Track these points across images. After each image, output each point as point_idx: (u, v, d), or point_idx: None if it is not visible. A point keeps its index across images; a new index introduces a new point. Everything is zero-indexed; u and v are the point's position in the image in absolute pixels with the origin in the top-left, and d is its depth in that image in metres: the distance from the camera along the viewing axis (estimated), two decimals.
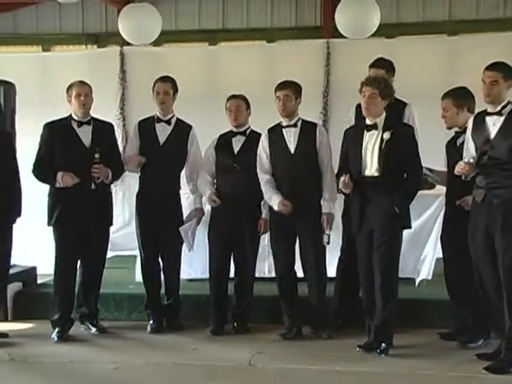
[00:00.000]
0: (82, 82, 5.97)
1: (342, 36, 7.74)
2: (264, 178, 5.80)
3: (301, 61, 8.32)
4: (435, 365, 5.12)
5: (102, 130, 6.04)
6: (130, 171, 6.22)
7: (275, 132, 5.84)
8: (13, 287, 6.62)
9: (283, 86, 5.81)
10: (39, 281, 7.16)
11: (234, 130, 6.03)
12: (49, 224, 5.92)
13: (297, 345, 5.70)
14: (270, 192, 5.74)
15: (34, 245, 8.08)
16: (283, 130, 5.81)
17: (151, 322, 6.14)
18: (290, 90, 5.78)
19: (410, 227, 5.46)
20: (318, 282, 5.79)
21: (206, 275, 6.22)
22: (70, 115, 5.97)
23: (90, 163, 5.78)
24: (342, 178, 5.29)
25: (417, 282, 6.60)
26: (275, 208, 5.69)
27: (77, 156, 5.82)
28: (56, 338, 5.90)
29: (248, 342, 5.75)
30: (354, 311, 5.79)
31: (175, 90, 6.12)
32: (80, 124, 5.93)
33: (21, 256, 6.84)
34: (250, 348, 5.55)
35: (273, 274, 6.59)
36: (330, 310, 5.94)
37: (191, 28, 8.87)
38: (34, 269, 7.16)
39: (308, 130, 5.80)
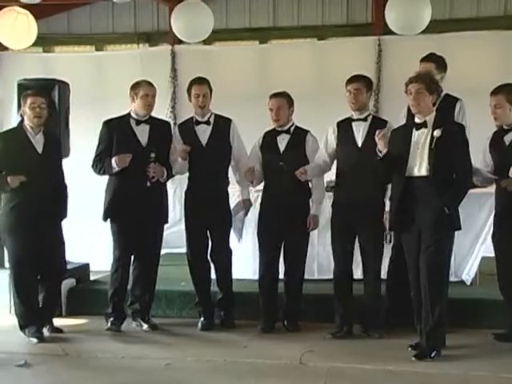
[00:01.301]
0: (149, 83, 6.02)
1: (393, 33, 7.66)
2: (316, 161, 5.86)
3: (352, 58, 8.25)
4: (489, 366, 5.03)
5: (160, 128, 6.09)
6: (178, 173, 6.24)
7: (344, 125, 5.82)
8: (66, 283, 6.72)
9: (354, 79, 5.79)
10: (92, 277, 7.26)
11: (278, 128, 6.01)
12: (104, 218, 6.02)
13: (347, 344, 5.67)
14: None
15: (87, 242, 8.20)
16: (352, 123, 5.78)
17: (202, 319, 6.18)
18: (361, 83, 5.77)
19: (460, 228, 5.27)
20: (375, 281, 5.77)
21: (256, 276, 6.23)
22: (129, 113, 6.04)
23: (145, 162, 5.85)
24: (379, 131, 5.20)
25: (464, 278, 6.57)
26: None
27: (133, 154, 5.87)
28: (109, 324, 6.03)
29: (298, 340, 5.73)
30: (406, 311, 5.72)
31: (211, 90, 6.11)
32: (138, 122, 6.00)
33: (74, 253, 6.94)
34: (301, 346, 5.52)
35: (322, 276, 6.62)
36: (382, 310, 5.90)
37: (242, 26, 8.87)
38: (87, 265, 7.26)
39: (377, 126, 5.68)
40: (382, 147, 5.21)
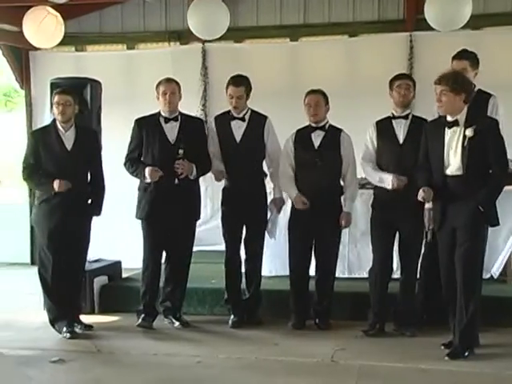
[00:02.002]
0: (168, 80, 6.05)
1: (425, 29, 7.58)
2: (370, 165, 5.81)
3: (383, 55, 8.19)
4: None
5: (190, 125, 6.11)
6: (217, 179, 6.22)
7: (384, 123, 5.82)
8: (99, 281, 6.78)
9: (404, 76, 5.89)
10: (124, 275, 7.30)
11: (313, 124, 6.01)
12: (136, 217, 6.07)
13: (379, 342, 5.64)
14: (379, 174, 5.72)
15: (120, 239, 8.25)
16: (393, 121, 5.78)
17: (232, 316, 6.19)
18: (411, 80, 5.84)
19: (498, 224, 5.23)
20: (412, 280, 5.78)
21: (287, 272, 6.23)
22: (159, 111, 6.07)
23: (173, 159, 5.86)
24: (422, 190, 5.16)
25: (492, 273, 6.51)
26: (389, 186, 5.61)
27: (161, 151, 5.92)
28: (140, 321, 6.05)
29: (330, 338, 5.73)
30: (438, 309, 5.68)
31: (249, 90, 6.12)
32: (167, 120, 6.03)
33: (106, 250, 6.99)
34: (332, 344, 5.53)
35: (352, 275, 6.60)
36: (415, 307, 5.85)
37: (272, 24, 8.83)
38: (119, 263, 7.30)
39: (418, 124, 5.71)
40: (428, 202, 5.26)
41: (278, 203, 6.19)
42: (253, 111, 6.17)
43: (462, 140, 5.09)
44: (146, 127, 6.04)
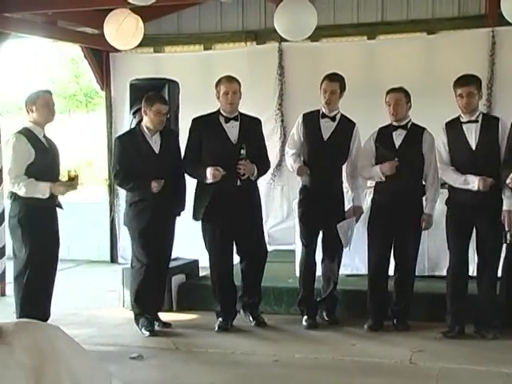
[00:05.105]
0: (229, 80, 5.97)
1: (508, 24, 7.38)
2: (450, 168, 5.67)
3: (463, 52, 8.01)
4: None
5: (250, 125, 6.06)
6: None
7: (454, 127, 5.69)
8: (177, 279, 6.86)
9: (465, 82, 5.63)
10: (201, 273, 7.34)
11: (395, 123, 5.93)
12: (194, 218, 6.04)
13: (460, 344, 5.53)
14: (464, 176, 5.55)
15: (197, 238, 8.31)
16: (463, 125, 5.64)
17: (306, 317, 6.15)
18: (474, 86, 5.63)
19: None
20: (492, 280, 5.64)
21: (365, 271, 6.17)
22: (219, 110, 6.03)
23: (235, 159, 5.79)
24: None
25: None
26: (476, 187, 5.43)
27: (223, 151, 5.86)
28: (216, 328, 6.06)
29: (408, 340, 5.65)
30: None
31: (342, 89, 6.06)
32: (227, 120, 5.97)
33: (184, 249, 7.06)
34: (411, 346, 5.46)
35: (433, 273, 6.49)
36: (497, 310, 5.71)
37: (349, 22, 8.76)
38: (196, 262, 7.35)
39: (490, 125, 5.61)
40: None
41: (358, 211, 6.13)
42: (343, 115, 6.12)
43: None
44: (206, 127, 5.99)
